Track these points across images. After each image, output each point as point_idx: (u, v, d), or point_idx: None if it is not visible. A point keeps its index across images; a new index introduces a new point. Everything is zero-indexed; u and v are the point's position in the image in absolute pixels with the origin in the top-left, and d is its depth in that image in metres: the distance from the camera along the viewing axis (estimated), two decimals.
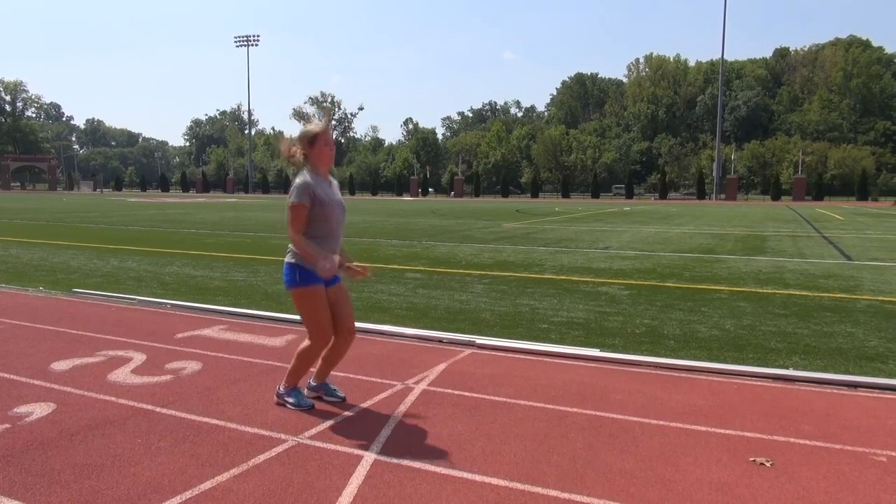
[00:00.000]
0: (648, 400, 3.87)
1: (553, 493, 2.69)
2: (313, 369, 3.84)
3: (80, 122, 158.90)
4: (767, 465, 2.98)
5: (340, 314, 3.67)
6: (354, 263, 3.81)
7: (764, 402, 3.85)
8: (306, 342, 3.64)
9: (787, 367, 4.55)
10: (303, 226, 3.46)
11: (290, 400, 3.68)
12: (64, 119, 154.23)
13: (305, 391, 3.83)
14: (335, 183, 3.72)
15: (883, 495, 2.70)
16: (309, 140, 3.54)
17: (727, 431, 3.39)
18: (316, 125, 3.58)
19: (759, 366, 4.57)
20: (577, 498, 2.65)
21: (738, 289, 8.00)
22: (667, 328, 5.80)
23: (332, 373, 3.92)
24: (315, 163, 3.56)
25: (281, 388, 3.75)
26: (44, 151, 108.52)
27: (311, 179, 3.49)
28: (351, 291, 7.50)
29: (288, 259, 3.57)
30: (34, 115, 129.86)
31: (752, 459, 3.03)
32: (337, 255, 3.57)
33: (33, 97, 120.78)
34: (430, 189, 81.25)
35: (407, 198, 69.98)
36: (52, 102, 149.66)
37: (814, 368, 4.56)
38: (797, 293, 7.71)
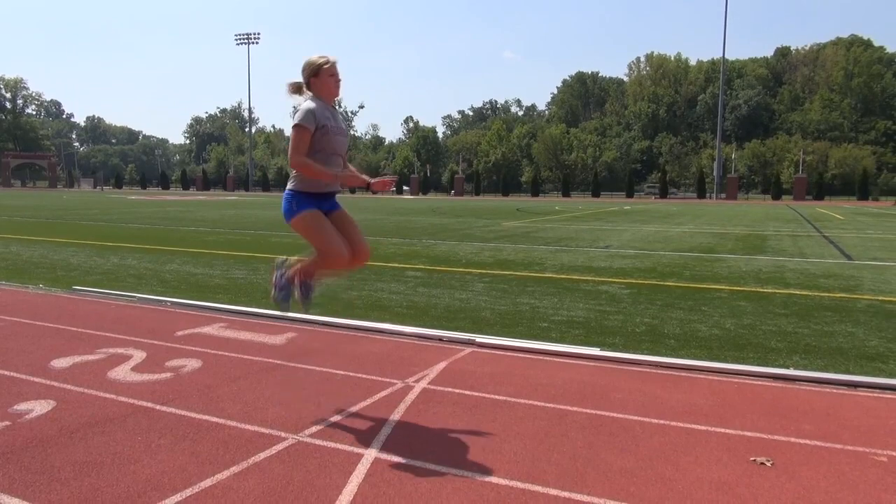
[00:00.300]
0: (649, 399, 3.87)
1: (553, 491, 2.69)
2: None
3: (80, 119, 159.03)
4: (768, 464, 2.97)
5: (350, 237, 3.60)
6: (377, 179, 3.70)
7: (764, 402, 3.84)
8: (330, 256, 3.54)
9: (787, 367, 4.55)
10: (306, 149, 3.39)
11: (280, 292, 3.63)
12: (64, 116, 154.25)
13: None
14: (338, 114, 3.67)
15: (884, 495, 2.70)
16: (313, 70, 3.48)
17: (727, 431, 3.39)
18: (320, 56, 3.51)
19: (759, 365, 4.57)
20: (578, 497, 2.65)
21: (739, 288, 8.00)
22: (667, 327, 5.79)
23: (331, 370, 3.91)
24: (319, 94, 3.50)
25: (289, 272, 3.65)
26: (44, 149, 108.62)
27: (316, 105, 3.43)
28: (350, 289, 7.51)
29: (288, 187, 3.52)
30: (34, 113, 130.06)
31: (752, 459, 3.03)
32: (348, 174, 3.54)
33: (34, 94, 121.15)
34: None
35: (407, 196, 69.95)
36: (52, 100, 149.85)
37: (814, 368, 4.56)
38: (798, 293, 7.71)
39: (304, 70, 3.52)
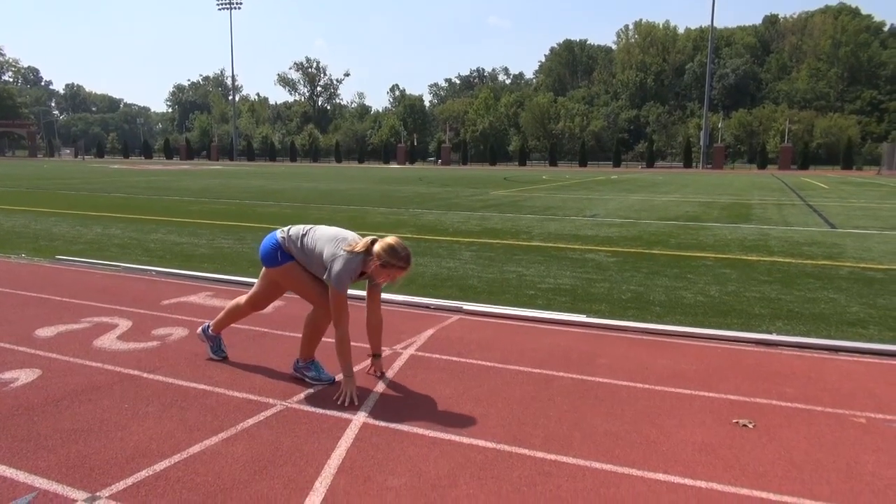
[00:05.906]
0: (634, 364, 3.91)
1: (539, 454, 2.73)
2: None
3: (59, 87, 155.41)
4: (750, 426, 3.03)
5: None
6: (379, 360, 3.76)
7: (747, 366, 3.90)
8: (312, 310, 3.56)
9: (770, 332, 4.61)
10: (348, 315, 3.32)
11: (310, 374, 3.57)
12: (42, 84, 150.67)
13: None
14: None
15: (862, 455, 2.76)
16: (388, 261, 3.30)
17: (711, 394, 3.44)
18: (406, 261, 3.36)
19: (743, 331, 4.63)
20: (563, 459, 2.69)
21: (724, 256, 8.07)
22: (653, 294, 5.84)
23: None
24: (370, 268, 3.34)
25: (299, 361, 3.64)
26: (22, 117, 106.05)
27: (355, 266, 3.30)
28: None
29: (279, 236, 3.51)
30: (11, 80, 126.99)
31: (734, 421, 3.09)
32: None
33: (10, 61, 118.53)
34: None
35: (394, 165, 69.47)
36: (29, 66, 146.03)
37: (796, 333, 4.63)
38: (781, 260, 7.79)
39: (385, 250, 3.29)
